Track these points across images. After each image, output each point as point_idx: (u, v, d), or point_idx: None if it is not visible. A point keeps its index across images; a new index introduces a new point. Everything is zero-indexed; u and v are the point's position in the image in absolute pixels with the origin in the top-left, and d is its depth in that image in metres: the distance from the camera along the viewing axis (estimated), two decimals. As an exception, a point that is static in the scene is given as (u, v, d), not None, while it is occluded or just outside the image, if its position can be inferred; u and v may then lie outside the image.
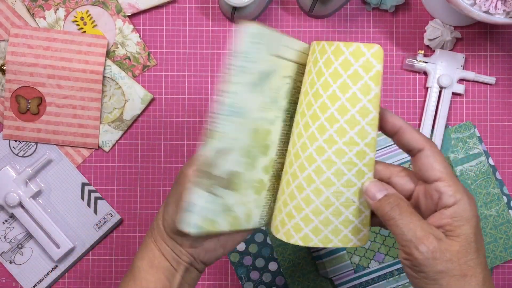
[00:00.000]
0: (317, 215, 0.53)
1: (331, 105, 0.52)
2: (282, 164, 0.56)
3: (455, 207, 0.47)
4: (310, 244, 0.53)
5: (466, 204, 0.47)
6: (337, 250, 0.75)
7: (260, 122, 0.53)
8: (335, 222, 0.54)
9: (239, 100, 0.50)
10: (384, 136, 0.78)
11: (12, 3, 0.78)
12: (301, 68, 0.55)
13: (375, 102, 0.51)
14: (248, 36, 0.49)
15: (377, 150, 0.77)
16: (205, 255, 0.55)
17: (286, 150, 0.55)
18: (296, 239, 0.53)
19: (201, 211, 0.51)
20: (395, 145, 0.78)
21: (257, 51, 0.50)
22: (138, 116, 0.79)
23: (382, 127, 0.52)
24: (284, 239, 0.54)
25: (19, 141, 0.78)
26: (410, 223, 0.47)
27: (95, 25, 0.78)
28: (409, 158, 0.77)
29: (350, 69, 0.51)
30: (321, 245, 0.54)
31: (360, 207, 0.53)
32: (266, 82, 0.52)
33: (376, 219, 0.54)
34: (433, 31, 0.77)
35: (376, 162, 0.54)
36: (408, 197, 0.52)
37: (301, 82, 0.55)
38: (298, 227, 0.54)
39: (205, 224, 0.51)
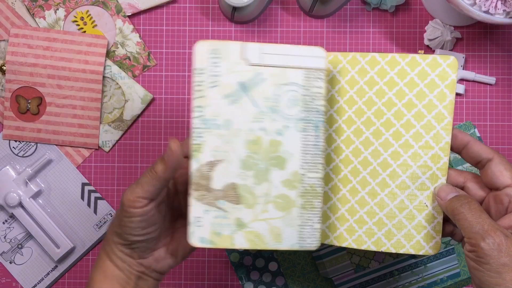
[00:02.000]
0: (390, 219, 0.56)
1: (407, 112, 0.56)
2: (320, 179, 0.56)
3: None
4: (383, 249, 0.55)
5: None
6: (337, 250, 0.76)
7: (258, 132, 0.53)
8: (408, 227, 0.56)
9: (216, 113, 0.53)
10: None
11: (12, 3, 0.78)
12: (316, 73, 0.55)
13: (450, 108, 0.55)
14: (199, 53, 0.53)
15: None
16: (156, 264, 0.58)
17: (322, 163, 0.56)
18: (369, 244, 0.56)
19: (210, 226, 0.53)
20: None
21: (215, 64, 0.53)
22: (138, 116, 0.79)
23: (451, 143, 0.56)
24: (355, 246, 0.56)
25: (19, 141, 0.78)
26: (479, 217, 0.50)
27: (95, 25, 0.78)
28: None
29: (427, 78, 0.55)
30: (393, 250, 0.56)
31: (433, 212, 0.56)
32: (251, 92, 0.53)
33: (447, 228, 0.57)
34: (433, 31, 0.77)
35: (450, 168, 0.57)
36: (480, 203, 0.55)
37: (321, 88, 0.55)
38: (370, 232, 0.56)
39: (217, 239, 0.53)
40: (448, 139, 0.55)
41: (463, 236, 0.54)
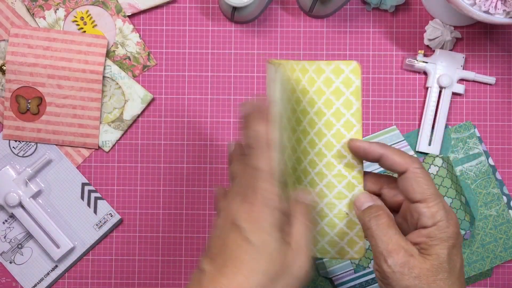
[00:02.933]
0: (314, 225, 0.55)
1: (318, 121, 0.54)
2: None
3: (433, 228, 0.48)
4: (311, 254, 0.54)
5: (443, 226, 0.48)
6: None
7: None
8: (330, 234, 0.55)
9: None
10: (386, 136, 0.78)
11: (12, 3, 0.78)
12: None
13: (358, 116, 0.54)
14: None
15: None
16: None
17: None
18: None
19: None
20: (397, 144, 0.78)
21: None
22: (138, 116, 0.79)
23: (365, 158, 0.53)
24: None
25: (19, 141, 0.78)
26: (384, 235, 0.48)
27: (95, 25, 0.78)
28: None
29: (332, 86, 0.53)
30: (318, 255, 0.55)
31: (354, 219, 0.54)
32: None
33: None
34: (433, 31, 0.77)
35: (368, 173, 0.55)
36: (397, 209, 0.53)
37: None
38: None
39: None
40: None
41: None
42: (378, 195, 0.53)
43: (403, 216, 0.52)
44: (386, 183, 0.54)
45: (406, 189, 0.50)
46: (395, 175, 0.54)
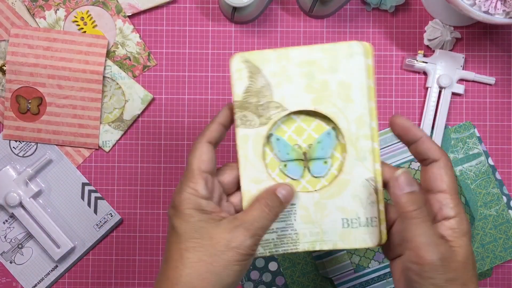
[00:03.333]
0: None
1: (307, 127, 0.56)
2: None
3: (455, 220, 0.49)
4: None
5: (463, 219, 0.49)
6: (337, 250, 0.76)
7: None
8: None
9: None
10: (386, 136, 0.78)
11: (12, 3, 0.78)
12: None
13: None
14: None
15: (381, 148, 0.77)
16: None
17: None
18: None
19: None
20: (396, 144, 0.78)
21: None
22: (138, 116, 0.79)
23: (403, 136, 0.53)
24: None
25: (19, 141, 0.78)
26: (429, 229, 0.48)
27: (95, 25, 0.78)
28: (409, 158, 0.77)
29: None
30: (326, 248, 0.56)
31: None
32: None
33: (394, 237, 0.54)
34: (433, 31, 0.77)
35: (384, 164, 0.55)
36: None
37: None
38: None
39: None
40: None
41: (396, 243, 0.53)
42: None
43: None
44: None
45: (434, 177, 0.50)
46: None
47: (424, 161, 0.52)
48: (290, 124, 0.55)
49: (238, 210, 0.55)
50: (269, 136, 0.55)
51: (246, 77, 0.54)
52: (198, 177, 0.51)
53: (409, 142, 0.52)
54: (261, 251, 0.54)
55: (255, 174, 0.54)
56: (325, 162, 0.55)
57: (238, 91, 0.54)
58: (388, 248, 0.54)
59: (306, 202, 0.54)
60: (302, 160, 0.55)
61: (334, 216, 0.54)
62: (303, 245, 0.54)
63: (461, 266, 0.48)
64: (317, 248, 0.54)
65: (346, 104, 0.54)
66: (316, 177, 0.55)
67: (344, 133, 0.54)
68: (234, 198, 0.55)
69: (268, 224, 0.50)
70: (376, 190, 0.53)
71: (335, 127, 0.54)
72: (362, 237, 0.54)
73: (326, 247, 0.54)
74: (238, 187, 0.55)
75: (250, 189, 0.54)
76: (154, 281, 0.64)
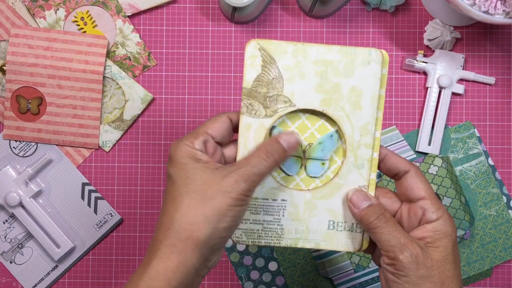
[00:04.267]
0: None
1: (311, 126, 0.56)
2: None
3: (437, 223, 0.51)
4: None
5: (447, 220, 0.51)
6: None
7: None
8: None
9: None
10: (386, 136, 0.78)
11: (12, 3, 0.78)
12: None
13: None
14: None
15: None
16: (214, 261, 0.53)
17: None
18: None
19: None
20: (396, 145, 0.78)
21: None
22: (138, 116, 0.79)
23: None
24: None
25: (19, 141, 0.78)
26: (395, 230, 0.50)
27: (95, 25, 0.78)
28: (409, 158, 0.77)
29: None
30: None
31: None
32: None
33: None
34: (433, 31, 0.77)
35: (398, 156, 0.56)
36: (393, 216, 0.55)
37: None
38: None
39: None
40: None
41: (374, 250, 0.55)
42: None
43: (399, 222, 0.54)
44: (382, 194, 0.55)
45: (410, 187, 0.52)
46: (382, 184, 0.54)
47: (396, 175, 0.54)
48: (295, 120, 0.55)
49: None
50: (272, 129, 0.55)
51: (259, 65, 0.53)
52: (199, 135, 0.51)
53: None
54: (244, 239, 0.55)
55: None
56: (323, 164, 0.55)
57: (248, 79, 0.54)
58: (375, 255, 0.56)
59: (297, 199, 0.54)
60: (300, 157, 0.55)
61: (321, 217, 0.54)
62: (286, 241, 0.55)
63: (437, 264, 0.50)
64: (299, 246, 0.55)
65: (354, 111, 0.54)
66: (311, 177, 0.55)
67: (346, 139, 0.54)
68: None
69: (265, 170, 0.49)
70: None
71: (339, 131, 0.55)
72: (344, 241, 0.55)
73: (309, 245, 0.55)
74: None
75: None
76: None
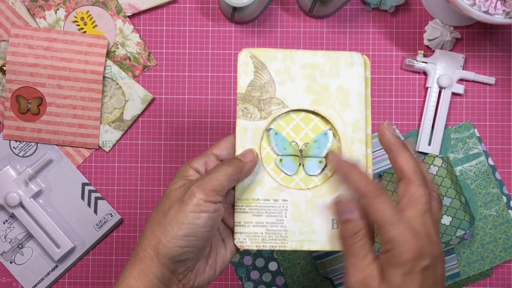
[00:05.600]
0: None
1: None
2: None
3: (388, 254, 0.50)
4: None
5: (398, 252, 0.49)
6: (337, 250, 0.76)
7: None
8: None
9: None
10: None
11: (12, 3, 0.78)
12: None
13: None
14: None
15: (375, 151, 0.78)
16: (196, 279, 0.53)
17: None
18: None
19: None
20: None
21: None
22: (138, 116, 0.79)
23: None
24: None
25: (19, 141, 0.78)
26: (355, 256, 0.51)
27: (95, 26, 0.78)
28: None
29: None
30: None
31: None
32: None
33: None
34: (433, 31, 0.77)
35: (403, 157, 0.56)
36: None
37: None
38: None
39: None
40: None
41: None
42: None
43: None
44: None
45: (368, 214, 0.51)
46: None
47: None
48: (289, 121, 0.57)
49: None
50: (267, 130, 0.56)
51: (251, 72, 0.56)
52: (203, 156, 0.54)
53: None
54: (248, 243, 0.55)
55: None
56: (320, 162, 0.56)
57: (242, 84, 0.56)
58: None
59: (298, 199, 0.55)
60: (297, 156, 0.56)
61: (324, 216, 0.55)
62: (291, 244, 0.55)
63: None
64: (305, 249, 0.55)
65: (344, 108, 0.56)
66: (310, 175, 0.56)
67: (340, 136, 0.56)
68: None
69: (224, 177, 0.51)
70: None
71: (332, 129, 0.56)
72: None
73: (314, 247, 0.55)
74: None
75: (243, 181, 0.55)
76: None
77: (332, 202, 0.53)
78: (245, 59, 0.56)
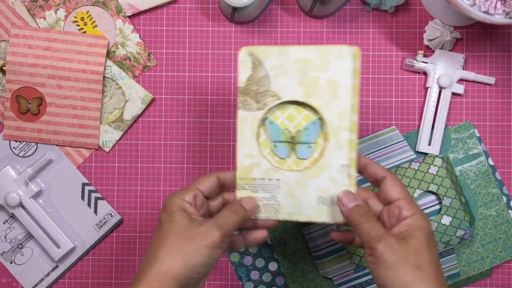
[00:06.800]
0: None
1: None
2: None
3: (411, 218, 0.58)
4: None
5: (419, 216, 0.58)
6: (337, 250, 0.76)
7: None
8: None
9: None
10: (386, 136, 0.78)
11: (12, 3, 0.78)
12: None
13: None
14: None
15: (375, 151, 0.78)
16: None
17: None
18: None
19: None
20: (396, 145, 0.78)
21: None
22: (138, 116, 0.79)
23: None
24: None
25: (19, 141, 0.78)
26: (374, 226, 0.57)
27: (95, 26, 0.78)
28: (409, 158, 0.77)
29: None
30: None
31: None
32: None
33: (348, 236, 0.65)
34: (433, 31, 0.77)
35: (359, 187, 0.63)
36: (377, 216, 0.63)
37: None
38: None
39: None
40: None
41: (360, 242, 0.64)
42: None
43: (382, 222, 0.61)
44: (370, 196, 0.63)
45: (387, 190, 0.60)
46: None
47: (376, 181, 0.62)
48: (283, 111, 0.63)
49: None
50: (264, 120, 0.63)
51: (249, 68, 0.63)
52: (190, 190, 0.61)
53: (360, 169, 0.62)
54: None
55: (249, 150, 0.63)
56: (309, 147, 0.62)
57: (242, 79, 0.63)
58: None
59: (289, 179, 0.62)
60: (290, 142, 0.63)
61: (312, 194, 0.62)
62: (283, 215, 0.63)
63: (413, 251, 0.56)
64: (294, 219, 0.62)
65: (332, 99, 0.61)
66: (300, 158, 0.63)
67: (327, 124, 0.61)
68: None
69: (233, 223, 0.60)
70: (349, 175, 0.60)
71: (321, 118, 0.61)
72: (332, 213, 0.61)
73: (302, 219, 0.62)
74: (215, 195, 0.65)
75: (243, 162, 0.63)
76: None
77: (338, 196, 0.60)
78: (244, 56, 0.63)
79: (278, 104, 0.62)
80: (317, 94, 0.61)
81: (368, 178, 0.62)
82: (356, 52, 0.60)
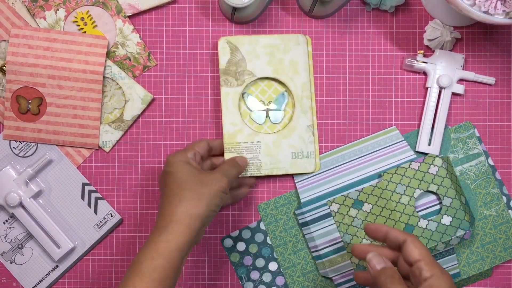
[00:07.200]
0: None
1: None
2: None
3: (432, 278, 0.60)
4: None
5: (439, 276, 0.60)
6: (337, 250, 0.76)
7: None
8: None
9: None
10: (386, 136, 0.78)
11: (12, 3, 0.78)
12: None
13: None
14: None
15: (375, 151, 0.78)
16: (199, 238, 0.69)
17: None
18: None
19: None
20: (396, 145, 0.78)
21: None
22: (138, 116, 0.79)
23: (375, 235, 0.66)
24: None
25: (19, 141, 0.78)
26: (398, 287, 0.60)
27: (95, 26, 0.78)
28: (409, 158, 0.77)
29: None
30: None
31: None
32: None
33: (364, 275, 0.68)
34: (433, 31, 0.77)
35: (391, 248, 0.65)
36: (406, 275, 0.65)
37: None
38: None
39: None
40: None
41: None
42: (395, 263, 0.65)
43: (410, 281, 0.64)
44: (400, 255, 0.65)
45: (408, 253, 0.62)
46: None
47: (399, 247, 0.63)
48: (257, 87, 0.78)
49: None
50: (243, 94, 0.77)
51: (228, 53, 0.77)
52: (190, 149, 0.71)
53: (381, 239, 0.65)
54: None
55: (233, 119, 0.76)
56: (280, 113, 0.77)
57: (222, 61, 0.77)
58: None
59: (267, 140, 0.76)
60: (265, 111, 0.77)
61: (286, 151, 0.76)
62: (265, 171, 0.76)
63: None
64: (274, 173, 0.76)
65: (294, 75, 0.77)
66: (274, 123, 0.77)
67: (293, 94, 0.77)
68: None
69: (233, 175, 0.71)
70: (313, 134, 0.77)
71: (287, 90, 0.77)
72: (304, 165, 0.77)
73: (281, 172, 0.76)
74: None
75: (229, 129, 0.76)
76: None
77: (368, 259, 0.63)
78: (223, 44, 0.77)
79: (253, 80, 0.77)
80: (283, 71, 0.77)
81: (391, 245, 0.64)
82: (309, 40, 0.78)
